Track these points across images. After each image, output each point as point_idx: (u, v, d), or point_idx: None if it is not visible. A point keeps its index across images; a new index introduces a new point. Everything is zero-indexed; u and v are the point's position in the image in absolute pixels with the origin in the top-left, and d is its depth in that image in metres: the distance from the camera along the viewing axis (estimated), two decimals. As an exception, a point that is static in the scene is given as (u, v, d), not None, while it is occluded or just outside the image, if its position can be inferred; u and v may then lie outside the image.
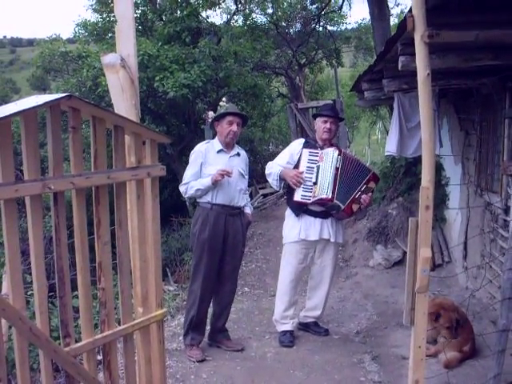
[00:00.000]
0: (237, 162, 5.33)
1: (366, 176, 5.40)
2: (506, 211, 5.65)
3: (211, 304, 5.47)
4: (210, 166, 5.14)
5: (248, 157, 5.66)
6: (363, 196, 5.34)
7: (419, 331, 3.09)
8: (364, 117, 25.95)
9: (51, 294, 3.60)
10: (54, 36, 17.29)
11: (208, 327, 5.53)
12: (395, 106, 6.74)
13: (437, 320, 4.99)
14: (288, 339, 5.52)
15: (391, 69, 5.28)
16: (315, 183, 5.33)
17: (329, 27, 20.08)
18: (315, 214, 5.45)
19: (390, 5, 16.25)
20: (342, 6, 17.89)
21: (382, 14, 11.36)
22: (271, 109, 18.48)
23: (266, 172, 5.65)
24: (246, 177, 5.45)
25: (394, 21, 17.25)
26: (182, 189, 5.29)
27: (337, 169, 5.30)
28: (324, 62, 21.38)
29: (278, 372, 4.91)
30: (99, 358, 3.36)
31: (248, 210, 5.51)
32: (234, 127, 5.22)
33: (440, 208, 8.49)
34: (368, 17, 12.40)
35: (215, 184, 5.07)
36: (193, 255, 5.45)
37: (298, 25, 19.69)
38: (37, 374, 4.57)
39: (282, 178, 5.49)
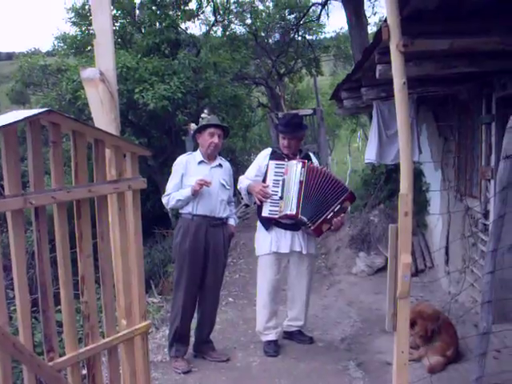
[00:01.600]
0: (218, 173, 5.32)
1: (342, 195, 5.19)
2: (486, 215, 5.72)
3: (195, 315, 5.46)
4: (191, 177, 5.14)
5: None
6: (336, 218, 5.16)
7: (402, 337, 3.12)
8: (344, 125, 26.13)
9: (34, 308, 3.58)
10: (32, 49, 17.26)
11: (193, 338, 5.52)
12: (374, 113, 6.81)
13: (412, 327, 5.00)
14: (272, 349, 5.47)
15: (369, 77, 5.34)
16: (281, 197, 5.20)
17: (307, 36, 20.22)
18: (285, 227, 5.34)
19: (368, 13, 16.44)
20: (320, 15, 18.02)
21: (360, 23, 11.50)
22: (252, 119, 18.55)
23: (238, 187, 5.56)
24: (230, 188, 5.42)
25: (371, 29, 17.41)
26: (164, 200, 5.30)
27: (301, 182, 5.14)
28: (303, 71, 21.51)
29: (264, 381, 4.91)
30: (84, 372, 3.35)
31: (232, 222, 5.49)
32: (216, 139, 5.23)
33: (421, 214, 8.57)
34: (346, 26, 12.52)
35: (195, 194, 5.07)
36: (175, 266, 5.44)
37: (277, 35, 19.84)
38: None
39: (250, 193, 5.41)
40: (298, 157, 5.43)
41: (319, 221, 5.13)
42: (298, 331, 5.76)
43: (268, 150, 5.62)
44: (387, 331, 3.32)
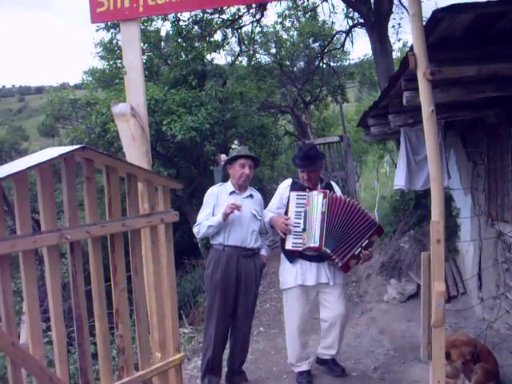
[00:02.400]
0: (250, 204, 5.35)
1: (370, 229, 5.08)
2: (519, 240, 5.65)
3: (228, 345, 5.45)
4: (222, 208, 5.15)
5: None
6: (364, 252, 5.04)
7: (437, 366, 3.09)
8: (371, 151, 26.04)
9: (67, 340, 3.62)
10: (62, 83, 17.62)
11: (225, 369, 5.50)
12: (402, 140, 6.78)
13: (448, 358, 4.93)
14: (305, 379, 5.35)
15: (396, 104, 5.34)
16: (304, 229, 5.08)
17: (332, 64, 20.30)
18: (310, 259, 5.19)
19: (392, 40, 16.47)
20: (344, 43, 18.09)
21: (384, 49, 11.52)
22: (279, 147, 18.62)
23: (264, 220, 5.44)
24: (261, 218, 5.41)
25: (396, 55, 17.44)
26: (195, 230, 5.31)
27: (323, 213, 5.03)
28: (329, 99, 21.54)
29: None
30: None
31: (264, 252, 5.49)
32: (247, 170, 5.28)
33: (452, 239, 8.47)
34: (370, 52, 12.57)
35: (225, 219, 5.09)
36: (206, 297, 5.44)
37: (302, 63, 19.93)
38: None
39: (272, 226, 5.32)
40: (318, 187, 5.33)
41: (347, 257, 5.03)
42: (331, 360, 5.60)
43: (289, 181, 5.53)
44: (421, 360, 3.28)
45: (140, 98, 3.32)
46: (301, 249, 5.10)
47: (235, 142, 5.43)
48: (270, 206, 5.48)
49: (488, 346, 5.17)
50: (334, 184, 5.60)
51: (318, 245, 4.98)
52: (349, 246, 5.03)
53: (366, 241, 5.05)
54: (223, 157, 5.52)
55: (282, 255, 5.39)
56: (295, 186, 5.36)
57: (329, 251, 4.99)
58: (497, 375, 4.90)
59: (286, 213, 5.23)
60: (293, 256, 5.23)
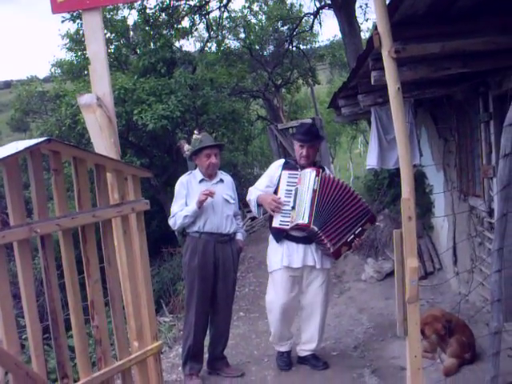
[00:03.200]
0: (221, 189, 5.31)
1: (364, 216, 4.95)
2: (490, 214, 5.72)
3: (208, 332, 5.46)
4: (194, 197, 5.13)
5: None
6: (356, 240, 4.91)
7: (413, 341, 3.12)
8: (345, 132, 26.15)
9: (46, 335, 3.61)
10: (30, 77, 17.36)
11: (206, 355, 5.51)
12: (373, 119, 6.80)
13: (423, 334, 5.00)
14: (285, 362, 5.32)
15: (365, 84, 5.36)
16: (293, 207, 4.91)
17: (302, 47, 20.30)
18: (297, 240, 5.03)
19: (360, 20, 16.49)
20: (312, 25, 18.07)
21: (353, 30, 11.55)
22: (251, 132, 18.58)
23: (247, 199, 5.31)
24: (234, 201, 5.40)
25: (365, 35, 17.48)
26: (171, 222, 5.27)
27: (314, 191, 4.86)
28: (300, 81, 21.55)
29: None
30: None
31: (240, 237, 5.47)
32: (213, 159, 5.23)
33: (426, 216, 8.56)
34: (339, 34, 12.58)
35: (200, 207, 5.06)
36: (185, 284, 5.44)
37: (272, 47, 19.91)
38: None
39: (260, 204, 5.15)
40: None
41: (340, 243, 4.87)
42: (312, 355, 5.35)
43: (281, 161, 5.39)
44: (399, 336, 3.32)
45: (105, 88, 3.29)
46: (288, 227, 4.94)
47: (195, 132, 5.31)
48: (258, 184, 5.33)
49: (464, 319, 5.25)
50: (327, 169, 5.42)
51: (306, 222, 4.81)
52: (341, 231, 4.89)
53: (359, 228, 4.92)
54: (186, 146, 5.40)
55: (270, 236, 5.27)
56: (287, 166, 5.22)
57: (316, 229, 4.81)
58: (473, 347, 4.98)
59: (276, 193, 5.08)
60: (279, 235, 5.09)
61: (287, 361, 5.35)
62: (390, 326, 6.16)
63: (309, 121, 16.37)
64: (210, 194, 5.05)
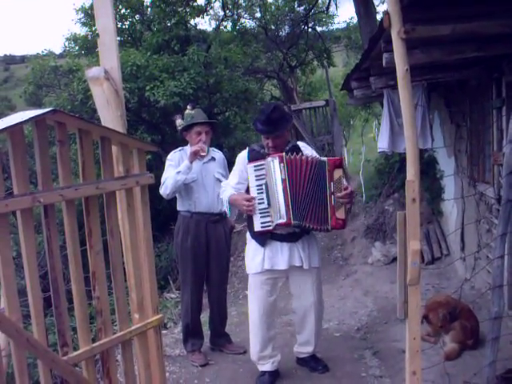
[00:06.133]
0: (212, 167, 5.24)
1: (324, 169, 4.26)
2: (499, 200, 5.69)
3: (209, 310, 5.51)
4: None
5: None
6: (338, 194, 4.26)
7: (413, 323, 3.13)
8: (359, 115, 25.99)
9: (51, 308, 3.65)
10: (45, 52, 17.34)
11: (209, 332, 5.56)
12: (385, 102, 6.77)
13: (428, 320, 5.04)
14: (266, 382, 4.72)
15: (377, 66, 5.31)
16: (269, 204, 4.26)
17: (318, 28, 20.13)
18: (281, 238, 4.44)
19: (376, 2, 16.33)
20: (328, 6, 17.92)
21: (369, 12, 11.43)
22: (265, 112, 18.44)
23: (220, 196, 4.74)
24: (226, 179, 4.99)
25: (380, 18, 17.28)
26: (162, 190, 5.03)
27: (283, 181, 4.20)
28: (315, 63, 21.39)
29: (282, 371, 4.93)
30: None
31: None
32: (203, 137, 5.12)
33: (436, 201, 8.54)
34: (355, 16, 12.46)
35: (192, 161, 4.95)
36: (179, 264, 5.44)
37: (287, 27, 19.71)
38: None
39: (234, 205, 4.54)
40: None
41: (328, 217, 4.29)
42: (311, 357, 4.96)
43: (245, 153, 4.66)
44: (400, 319, 3.33)
45: (113, 62, 3.28)
46: (271, 227, 4.30)
47: (188, 106, 5.16)
48: (230, 179, 4.69)
49: (469, 305, 5.25)
50: (303, 144, 4.77)
51: (285, 219, 4.20)
52: (320, 205, 4.28)
53: (331, 183, 4.26)
54: (179, 121, 5.28)
55: (248, 235, 4.66)
56: (253, 155, 4.55)
57: (299, 222, 4.24)
58: (477, 333, 4.99)
59: (248, 191, 4.45)
60: (264, 239, 4.48)
61: (269, 380, 4.75)
62: (394, 310, 6.12)
63: (322, 102, 16.35)
64: (202, 149, 4.98)
